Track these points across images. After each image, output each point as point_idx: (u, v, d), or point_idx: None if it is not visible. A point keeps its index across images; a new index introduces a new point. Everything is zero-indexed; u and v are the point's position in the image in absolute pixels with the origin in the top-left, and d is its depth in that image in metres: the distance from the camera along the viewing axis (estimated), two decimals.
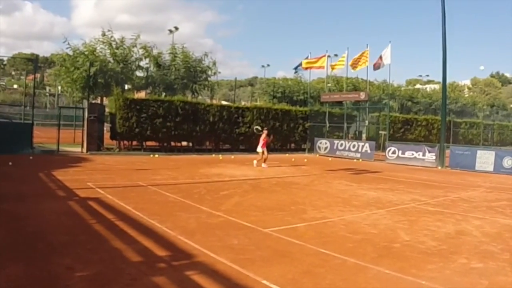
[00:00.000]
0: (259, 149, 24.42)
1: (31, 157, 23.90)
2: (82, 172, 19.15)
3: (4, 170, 18.39)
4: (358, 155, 32.93)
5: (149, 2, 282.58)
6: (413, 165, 28.95)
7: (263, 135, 24.55)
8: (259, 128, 25.41)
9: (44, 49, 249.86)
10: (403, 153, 30.55)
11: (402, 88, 73.64)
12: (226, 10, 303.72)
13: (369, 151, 32.47)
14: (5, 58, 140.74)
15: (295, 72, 47.85)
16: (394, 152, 31.02)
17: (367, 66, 35.73)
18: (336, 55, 43.16)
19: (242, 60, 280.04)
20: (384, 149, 33.40)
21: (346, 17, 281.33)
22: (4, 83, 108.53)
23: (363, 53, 35.01)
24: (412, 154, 29.98)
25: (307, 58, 38.58)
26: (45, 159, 23.98)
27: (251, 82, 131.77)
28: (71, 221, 10.01)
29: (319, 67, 38.31)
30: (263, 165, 23.84)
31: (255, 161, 24.33)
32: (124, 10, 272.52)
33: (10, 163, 20.15)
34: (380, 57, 34.48)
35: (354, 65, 35.88)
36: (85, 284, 6.24)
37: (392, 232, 9.89)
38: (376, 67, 34.93)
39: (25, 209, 11.01)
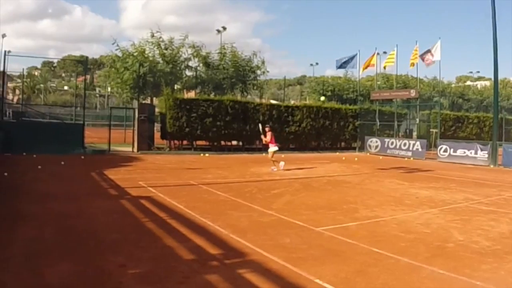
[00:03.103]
0: (275, 148, 22.06)
1: (82, 157, 24.40)
2: (133, 171, 19.44)
3: (57, 170, 18.80)
4: (409, 153, 32.52)
5: (195, 3, 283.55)
6: (465, 163, 28.42)
7: (269, 134, 22.07)
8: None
9: (93, 51, 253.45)
10: (454, 151, 30.04)
11: (453, 85, 72.52)
12: (272, 10, 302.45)
13: (420, 150, 32.01)
14: (55, 61, 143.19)
15: (347, 72, 47.82)
16: (445, 151, 30.55)
17: (417, 63, 35.47)
18: (385, 52, 42.73)
19: (290, 59, 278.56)
20: (435, 147, 33.01)
21: (394, 13, 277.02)
22: (54, 85, 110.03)
23: (415, 50, 34.73)
24: (464, 152, 29.45)
25: (355, 56, 38.39)
26: (97, 158, 24.46)
27: (299, 81, 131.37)
28: (123, 219, 10.23)
29: (371, 66, 38.07)
30: (273, 168, 21.72)
31: (282, 163, 21.83)
32: (171, 11, 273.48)
33: (62, 163, 20.57)
34: (431, 53, 34.15)
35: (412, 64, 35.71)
36: (137, 281, 6.37)
37: (445, 232, 9.77)
38: (428, 63, 34.60)
39: (77, 207, 11.26)
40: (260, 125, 23.38)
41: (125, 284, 6.24)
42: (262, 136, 22.55)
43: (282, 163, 21.68)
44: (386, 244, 8.56)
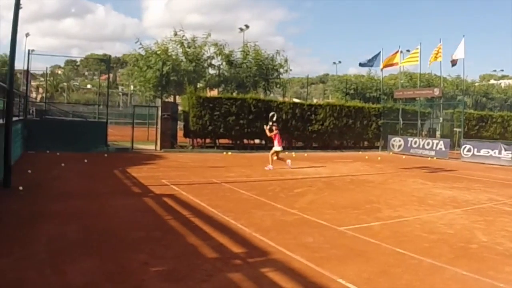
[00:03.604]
0: (279, 147, 21.62)
1: (105, 155, 24.60)
2: (156, 169, 19.54)
3: (80, 168, 18.95)
4: (432, 153, 32.29)
5: (218, 2, 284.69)
6: (488, 163, 28.20)
7: (275, 131, 21.83)
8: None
9: (116, 50, 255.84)
10: (478, 151, 29.82)
11: (476, 84, 71.89)
12: (295, 8, 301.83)
13: (443, 149, 31.77)
14: (78, 59, 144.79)
15: (370, 71, 47.58)
16: (469, 150, 30.34)
17: (440, 62, 35.22)
18: (408, 50, 42.35)
19: (312, 57, 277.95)
20: (458, 147, 32.79)
21: (418, 11, 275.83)
22: (77, 83, 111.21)
23: (438, 48, 34.46)
24: (488, 152, 29.21)
25: (378, 55, 38.13)
26: (120, 156, 24.55)
27: (322, 79, 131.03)
28: (146, 217, 10.30)
29: (393, 64, 37.80)
30: (270, 166, 21.23)
31: (288, 161, 21.91)
32: (194, 10, 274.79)
33: (86, 161, 20.77)
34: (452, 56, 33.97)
35: (431, 61, 35.44)
36: (160, 279, 6.42)
37: (469, 233, 9.74)
38: (453, 63, 34.36)
39: (99, 205, 11.37)
40: (274, 114, 22.64)
41: (148, 282, 6.29)
42: (266, 127, 22.26)
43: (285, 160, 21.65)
44: (409, 245, 8.55)
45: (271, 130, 21.88)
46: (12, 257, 7.01)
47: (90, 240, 8.23)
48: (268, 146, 31.46)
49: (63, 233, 8.62)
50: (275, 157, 21.52)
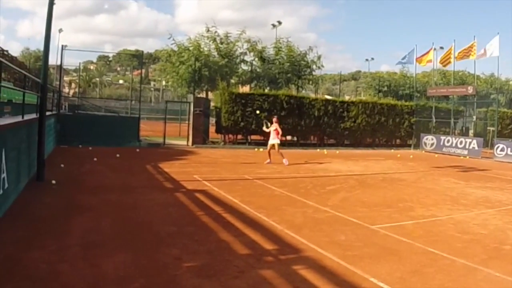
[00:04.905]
0: (276, 140, 21.74)
1: (137, 150, 24.70)
2: (188, 164, 19.69)
3: (112, 162, 19.16)
4: (465, 152, 31.89)
5: None
6: None
7: (275, 124, 21.85)
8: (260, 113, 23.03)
9: (148, 46, 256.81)
10: (511, 151, 29.51)
11: (511, 82, 70.73)
12: (328, 4, 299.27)
13: (476, 148, 31.39)
14: (110, 55, 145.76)
15: (403, 67, 47.28)
16: (502, 150, 29.96)
17: (474, 59, 34.83)
18: (442, 47, 41.94)
19: (345, 54, 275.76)
20: (492, 146, 32.44)
21: (452, 7, 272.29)
22: (110, 79, 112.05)
23: (471, 45, 34.07)
24: None
25: (412, 52, 37.96)
26: (152, 151, 24.78)
27: (354, 76, 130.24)
28: (178, 212, 10.38)
29: (428, 62, 37.54)
30: (285, 160, 21.35)
31: (285, 160, 21.44)
32: (226, 6, 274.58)
33: (118, 155, 20.97)
34: (484, 49, 33.55)
35: (460, 57, 35.03)
36: (192, 274, 6.47)
37: (502, 233, 9.67)
38: (479, 56, 33.98)
39: (132, 200, 11.49)
40: (259, 112, 23.11)
41: (180, 277, 6.36)
42: (265, 127, 22.53)
43: (285, 160, 21.42)
44: (442, 244, 8.52)
45: (267, 126, 22.17)
46: (46, 250, 7.13)
47: (124, 234, 8.37)
48: (300, 142, 31.64)
49: (96, 226, 8.77)
50: (271, 149, 21.83)
